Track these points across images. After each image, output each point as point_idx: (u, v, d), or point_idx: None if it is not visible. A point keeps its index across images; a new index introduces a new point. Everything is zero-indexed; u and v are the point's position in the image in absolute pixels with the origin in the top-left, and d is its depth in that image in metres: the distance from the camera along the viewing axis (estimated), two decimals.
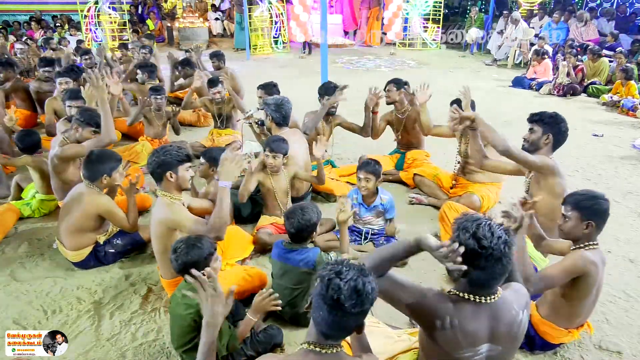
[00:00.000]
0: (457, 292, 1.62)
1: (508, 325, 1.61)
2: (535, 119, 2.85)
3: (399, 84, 4.40)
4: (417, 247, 1.61)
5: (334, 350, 1.49)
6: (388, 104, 4.50)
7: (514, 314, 1.62)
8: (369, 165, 3.20)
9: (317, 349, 1.48)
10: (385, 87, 4.45)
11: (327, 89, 4.30)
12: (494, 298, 1.60)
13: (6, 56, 7.38)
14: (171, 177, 2.54)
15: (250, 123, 4.19)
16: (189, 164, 2.63)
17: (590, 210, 2.16)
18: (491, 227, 1.53)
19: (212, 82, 5.16)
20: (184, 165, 2.58)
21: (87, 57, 6.92)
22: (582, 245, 2.22)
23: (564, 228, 2.23)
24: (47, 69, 5.76)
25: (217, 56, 6.58)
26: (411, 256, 1.68)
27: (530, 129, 2.87)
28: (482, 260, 1.51)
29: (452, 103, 3.85)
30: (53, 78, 5.43)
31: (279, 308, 2.21)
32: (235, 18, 12.94)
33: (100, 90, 3.26)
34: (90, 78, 3.35)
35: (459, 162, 4.03)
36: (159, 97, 5.04)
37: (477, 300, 1.58)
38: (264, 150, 3.37)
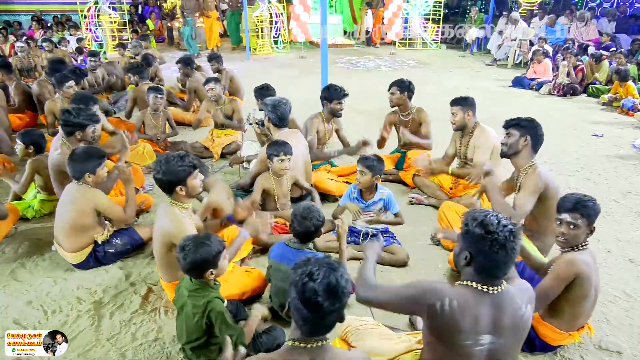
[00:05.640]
0: (462, 282, 1.67)
1: (511, 317, 1.63)
2: (512, 124, 2.88)
3: (402, 86, 4.37)
4: (368, 259, 2.08)
5: (320, 344, 1.50)
6: (392, 106, 4.49)
7: (517, 307, 1.64)
8: (367, 160, 3.18)
9: (302, 345, 1.50)
10: (389, 89, 4.44)
11: (331, 93, 4.23)
12: (497, 289, 1.63)
13: (1, 57, 7.40)
14: (181, 190, 2.51)
15: (251, 123, 4.20)
16: (196, 171, 2.56)
17: (596, 214, 2.20)
18: (498, 217, 1.62)
19: (208, 80, 5.17)
20: (191, 176, 2.52)
21: (94, 59, 6.92)
22: (573, 248, 2.22)
23: (570, 236, 2.18)
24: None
25: (215, 59, 6.55)
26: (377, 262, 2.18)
27: (508, 134, 2.88)
28: (487, 246, 1.57)
29: (452, 103, 3.86)
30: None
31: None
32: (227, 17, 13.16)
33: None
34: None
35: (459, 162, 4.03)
36: (159, 96, 5.03)
37: (480, 288, 1.62)
38: (277, 156, 3.29)
